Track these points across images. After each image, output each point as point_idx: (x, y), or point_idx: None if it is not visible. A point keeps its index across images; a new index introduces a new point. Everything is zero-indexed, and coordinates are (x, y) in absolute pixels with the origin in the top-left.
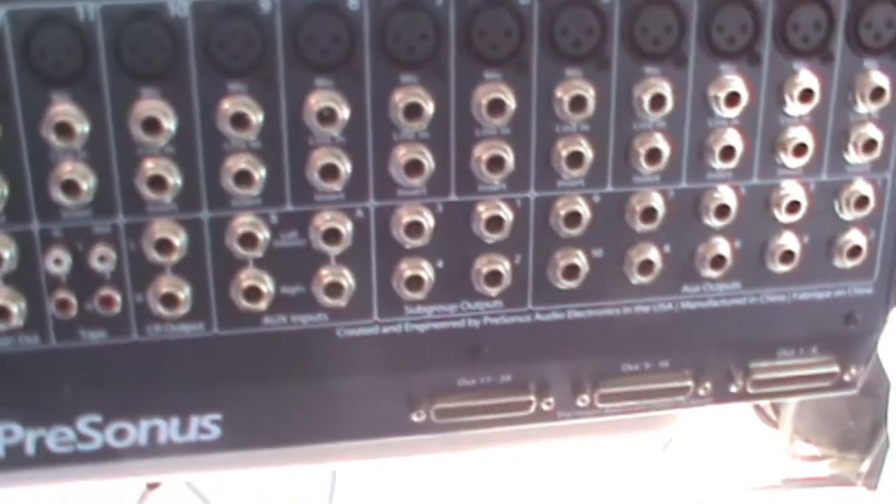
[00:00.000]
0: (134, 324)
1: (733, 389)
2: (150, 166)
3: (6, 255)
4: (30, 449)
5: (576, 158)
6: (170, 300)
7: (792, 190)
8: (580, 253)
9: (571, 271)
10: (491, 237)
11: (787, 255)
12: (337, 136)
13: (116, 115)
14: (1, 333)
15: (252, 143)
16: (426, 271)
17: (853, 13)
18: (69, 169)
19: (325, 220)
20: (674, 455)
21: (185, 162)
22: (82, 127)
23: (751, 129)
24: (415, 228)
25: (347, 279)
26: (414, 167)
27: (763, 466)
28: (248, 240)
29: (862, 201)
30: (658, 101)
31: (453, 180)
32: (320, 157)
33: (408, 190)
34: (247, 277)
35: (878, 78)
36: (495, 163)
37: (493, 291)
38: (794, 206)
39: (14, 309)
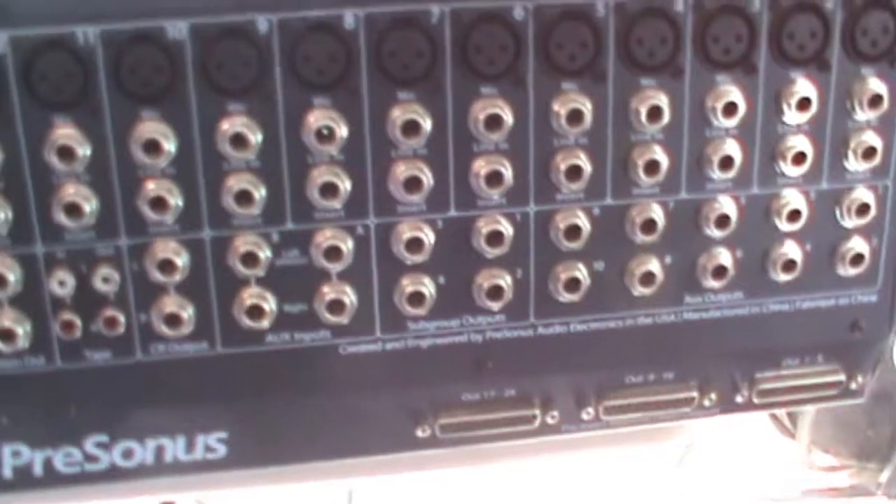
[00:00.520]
0: (138, 344)
1: (739, 399)
2: (152, 187)
3: (11, 277)
4: (37, 470)
5: (574, 171)
6: (173, 320)
7: (792, 198)
8: (581, 266)
9: (573, 284)
10: (491, 252)
11: (790, 264)
12: (336, 154)
13: (117, 137)
14: (7, 355)
15: (252, 162)
16: (428, 287)
17: (849, 21)
18: (72, 191)
19: (325, 237)
20: (690, 467)
21: (186, 182)
22: (84, 150)
23: (749, 139)
24: (415, 244)
25: (349, 296)
26: (413, 183)
27: (781, 478)
28: (250, 259)
29: (863, 208)
30: (655, 112)
31: (453, 196)
32: (320, 176)
33: (407, 206)
34: (249, 296)
35: (876, 85)
36: (494, 178)
37: (495, 306)
38: (794, 215)
39: (19, 331)
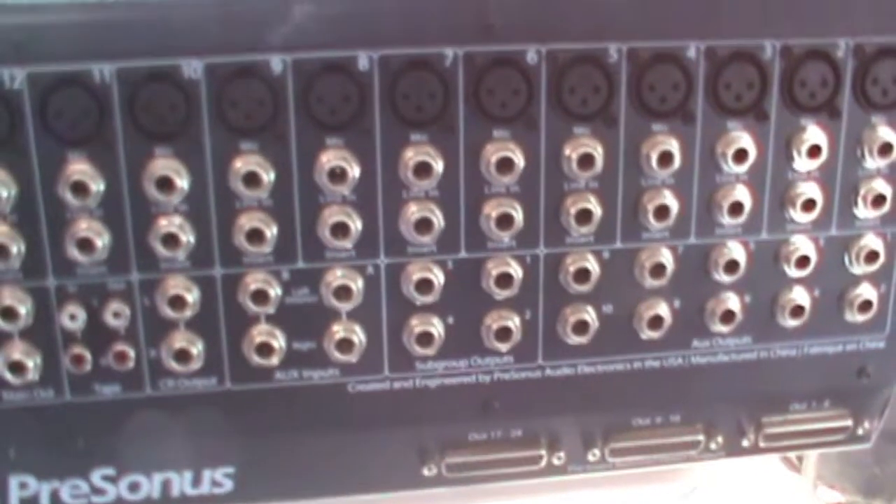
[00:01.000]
0: (147, 379)
1: (745, 443)
2: (164, 224)
3: (22, 310)
4: (44, 501)
5: (584, 215)
6: (183, 355)
7: (801, 245)
8: (590, 309)
9: (581, 327)
10: (501, 293)
11: (798, 310)
12: (347, 195)
13: (131, 173)
14: (17, 387)
15: (264, 201)
16: (437, 327)
17: (859, 69)
18: (84, 226)
19: (336, 276)
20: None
21: (198, 220)
22: (97, 185)
23: (759, 185)
24: (425, 285)
25: (358, 335)
26: (424, 225)
27: None
28: (260, 296)
29: (872, 255)
30: (666, 157)
31: (463, 237)
32: (331, 215)
33: (418, 247)
34: (259, 333)
35: (886, 133)
36: (504, 220)
37: (503, 347)
38: (803, 261)
39: (30, 363)
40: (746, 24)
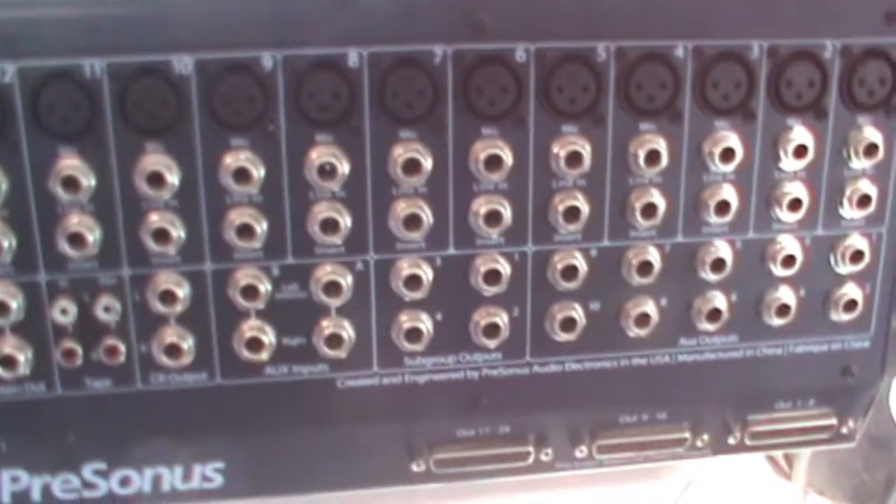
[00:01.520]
0: (138, 373)
1: (731, 441)
2: (155, 219)
3: (13, 304)
4: (36, 496)
5: (572, 213)
6: (173, 350)
7: (787, 244)
8: (577, 306)
9: (569, 324)
10: (489, 290)
11: (783, 309)
12: (337, 191)
13: (122, 169)
14: (8, 382)
15: (254, 196)
16: (425, 323)
17: (846, 71)
18: (76, 221)
19: (325, 272)
20: None
21: (189, 215)
22: (89, 181)
23: (746, 184)
24: (414, 281)
25: (348, 331)
26: (413, 221)
27: None
28: (250, 292)
29: (857, 255)
30: (653, 156)
31: (452, 234)
32: (321, 212)
33: (407, 243)
34: (249, 328)
35: (872, 134)
36: (493, 217)
37: (491, 343)
38: (789, 260)
39: (21, 358)
40: (734, 25)
